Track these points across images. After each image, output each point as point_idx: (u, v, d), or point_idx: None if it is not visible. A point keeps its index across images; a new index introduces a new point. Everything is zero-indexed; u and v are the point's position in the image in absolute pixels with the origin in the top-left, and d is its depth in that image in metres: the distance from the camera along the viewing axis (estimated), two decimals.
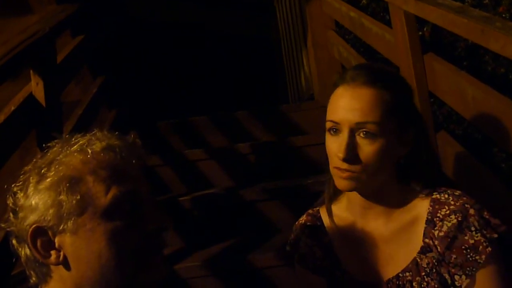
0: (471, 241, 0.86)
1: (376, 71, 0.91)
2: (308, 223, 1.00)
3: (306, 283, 0.97)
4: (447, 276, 0.88)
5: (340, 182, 0.90)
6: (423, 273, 0.89)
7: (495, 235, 0.87)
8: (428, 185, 0.93)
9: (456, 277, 0.87)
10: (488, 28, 1.04)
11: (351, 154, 0.87)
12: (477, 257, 0.86)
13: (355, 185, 0.89)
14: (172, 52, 3.84)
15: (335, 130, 0.89)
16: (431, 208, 0.91)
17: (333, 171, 0.90)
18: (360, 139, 0.87)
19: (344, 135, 0.88)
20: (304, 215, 1.02)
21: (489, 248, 0.86)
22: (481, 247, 0.86)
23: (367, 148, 0.87)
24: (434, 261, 0.89)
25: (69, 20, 1.99)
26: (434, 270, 0.89)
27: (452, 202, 0.90)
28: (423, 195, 0.93)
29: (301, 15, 2.61)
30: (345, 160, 0.87)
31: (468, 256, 0.86)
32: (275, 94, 3.50)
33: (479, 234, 0.86)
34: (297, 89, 3.01)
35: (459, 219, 0.88)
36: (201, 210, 1.77)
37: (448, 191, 0.92)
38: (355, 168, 0.87)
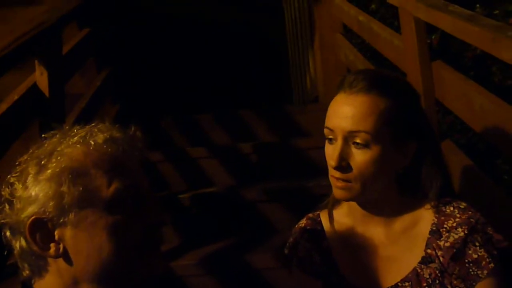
0: (475, 256, 0.86)
1: (374, 78, 0.89)
2: (308, 227, 0.98)
3: (304, 286, 0.96)
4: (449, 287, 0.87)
5: (336, 191, 0.89)
6: (425, 284, 0.88)
7: (495, 252, 0.86)
8: (433, 196, 0.91)
9: None
10: (499, 37, 1.03)
11: (342, 162, 0.86)
12: (478, 272, 0.85)
13: (350, 195, 0.88)
14: (178, 49, 3.83)
15: (331, 138, 0.89)
16: (436, 219, 0.90)
17: (330, 179, 0.90)
18: (353, 148, 0.86)
19: (338, 143, 0.86)
20: (304, 219, 1.01)
21: (492, 264, 0.85)
22: (484, 262, 0.85)
23: (359, 157, 0.85)
24: (437, 272, 0.88)
25: (76, 12, 1.99)
26: (437, 281, 0.88)
27: (458, 215, 0.89)
28: (428, 206, 0.91)
29: (309, 16, 2.60)
30: (336, 168, 0.86)
31: (470, 270, 0.86)
32: (280, 95, 3.49)
33: (483, 250, 0.86)
34: (302, 91, 3.00)
35: (466, 232, 0.87)
36: (200, 208, 1.76)
37: (454, 203, 0.90)
38: (347, 177, 0.86)
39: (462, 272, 0.86)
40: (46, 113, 1.51)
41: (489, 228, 0.88)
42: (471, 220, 0.87)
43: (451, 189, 0.95)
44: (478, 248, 0.86)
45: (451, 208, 0.89)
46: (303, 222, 1.00)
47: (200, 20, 3.84)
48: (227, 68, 3.74)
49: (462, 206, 0.89)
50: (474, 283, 0.85)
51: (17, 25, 1.54)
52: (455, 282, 0.87)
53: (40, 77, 1.51)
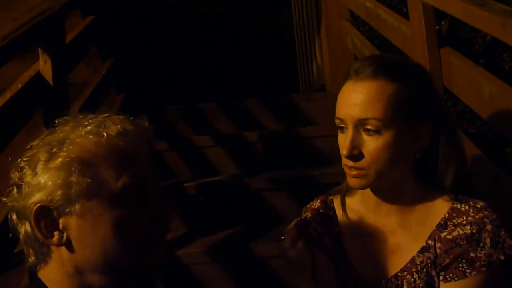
0: (472, 255, 0.83)
1: (380, 62, 0.87)
2: (321, 210, 0.97)
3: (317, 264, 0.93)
4: (436, 279, 0.86)
5: (350, 180, 0.88)
6: (414, 270, 0.87)
7: (502, 257, 0.83)
8: (450, 188, 0.88)
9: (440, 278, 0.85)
10: (510, 22, 1.00)
11: (354, 151, 0.84)
12: (467, 270, 0.83)
13: (365, 183, 0.87)
14: (183, 37, 3.81)
15: (342, 127, 0.87)
16: (447, 215, 0.88)
17: (343, 168, 0.88)
18: (365, 136, 0.85)
19: (349, 132, 0.85)
20: (318, 201, 0.99)
21: (484, 268, 0.83)
22: (478, 263, 0.83)
23: (371, 145, 0.84)
24: (428, 261, 0.87)
25: (79, 0, 1.97)
26: (424, 270, 0.86)
27: (472, 214, 0.86)
28: (443, 199, 0.89)
29: (315, 3, 2.56)
30: (347, 157, 0.85)
31: (460, 264, 0.83)
32: (285, 83, 3.47)
33: (483, 253, 0.83)
34: (308, 79, 2.97)
35: (473, 231, 0.84)
36: (206, 197, 1.76)
37: (470, 202, 0.87)
38: (361, 165, 0.85)
39: (450, 265, 0.84)
40: (50, 102, 1.50)
41: (503, 232, 0.84)
42: (485, 220, 0.84)
43: (465, 171, 0.91)
44: (479, 249, 0.83)
45: (467, 207, 0.86)
46: (316, 204, 0.99)
47: (205, 9, 3.81)
48: (232, 57, 3.72)
49: (478, 206, 0.86)
50: (456, 278, 0.83)
51: (20, 12, 1.53)
52: (437, 271, 0.85)
53: (44, 65, 1.51)
